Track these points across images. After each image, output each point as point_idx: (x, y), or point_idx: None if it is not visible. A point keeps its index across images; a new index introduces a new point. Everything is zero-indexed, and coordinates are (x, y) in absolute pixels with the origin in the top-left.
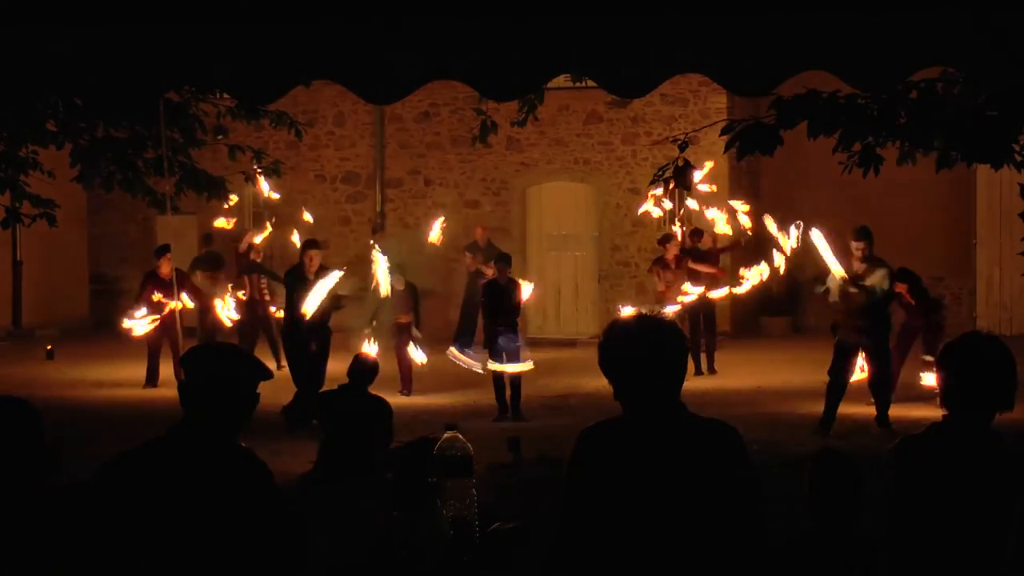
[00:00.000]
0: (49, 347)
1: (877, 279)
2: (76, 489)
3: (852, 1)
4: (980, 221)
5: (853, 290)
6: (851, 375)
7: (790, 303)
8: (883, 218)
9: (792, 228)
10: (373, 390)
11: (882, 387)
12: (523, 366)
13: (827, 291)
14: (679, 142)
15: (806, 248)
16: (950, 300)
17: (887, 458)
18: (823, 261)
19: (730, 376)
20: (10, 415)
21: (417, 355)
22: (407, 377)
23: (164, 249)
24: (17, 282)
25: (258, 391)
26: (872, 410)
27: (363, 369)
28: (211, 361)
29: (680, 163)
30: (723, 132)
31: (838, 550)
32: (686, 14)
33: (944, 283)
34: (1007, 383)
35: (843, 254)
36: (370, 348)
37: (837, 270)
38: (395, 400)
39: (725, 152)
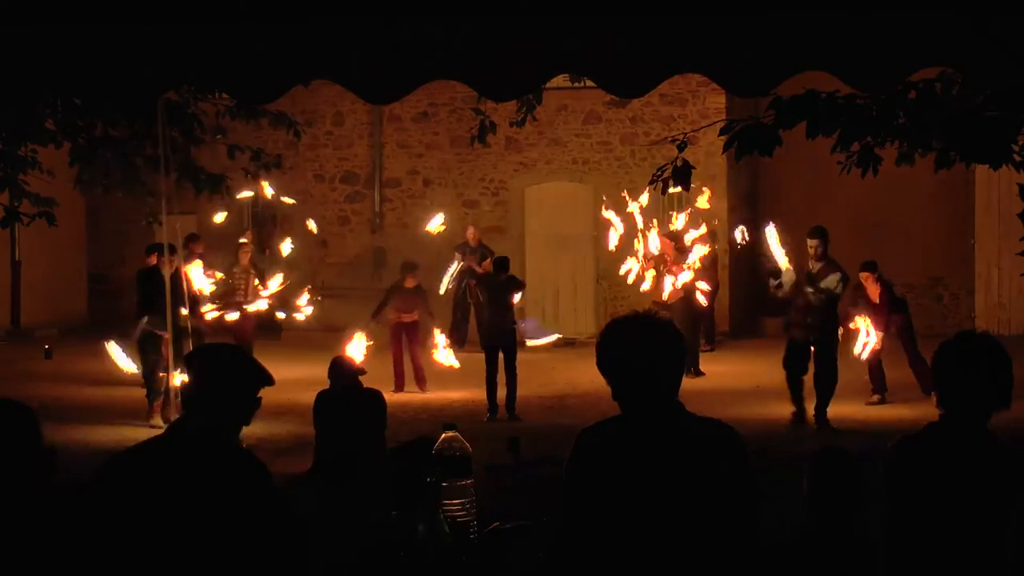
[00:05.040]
0: (47, 347)
1: (831, 282)
2: (75, 489)
3: (851, 1)
4: (979, 221)
5: (809, 290)
6: (805, 370)
7: (789, 303)
8: (882, 218)
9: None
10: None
11: (825, 385)
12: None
13: (780, 286)
14: (678, 142)
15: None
16: (948, 300)
17: (885, 458)
18: (774, 256)
19: (728, 375)
20: (6, 417)
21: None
22: (420, 376)
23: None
24: (16, 281)
25: (259, 396)
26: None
27: (345, 371)
28: (212, 362)
29: (679, 163)
30: (722, 132)
31: (838, 550)
32: (686, 14)
33: (942, 283)
34: (1003, 382)
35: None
36: (359, 345)
37: (787, 266)
38: (396, 399)
39: (724, 152)
